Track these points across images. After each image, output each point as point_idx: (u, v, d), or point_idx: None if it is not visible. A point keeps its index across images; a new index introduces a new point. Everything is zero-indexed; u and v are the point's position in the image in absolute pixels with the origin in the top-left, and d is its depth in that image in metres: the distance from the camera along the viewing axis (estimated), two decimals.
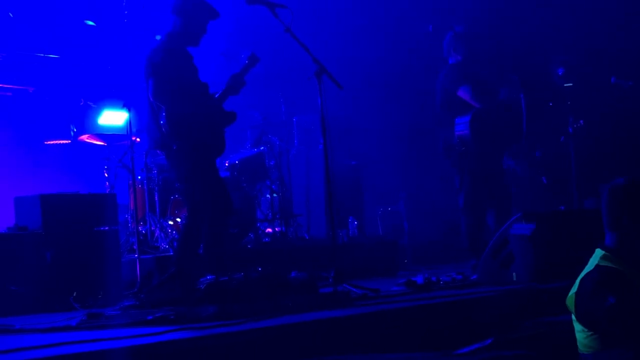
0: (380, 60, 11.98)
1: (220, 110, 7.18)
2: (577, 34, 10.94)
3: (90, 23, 10.28)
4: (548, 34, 11.06)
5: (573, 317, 4.10)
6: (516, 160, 10.65)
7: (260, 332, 4.91)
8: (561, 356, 4.68)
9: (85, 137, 9.33)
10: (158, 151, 7.80)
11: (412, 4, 11.79)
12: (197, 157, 6.97)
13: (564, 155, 10.15)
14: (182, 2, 7.10)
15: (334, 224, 7.21)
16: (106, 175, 9.12)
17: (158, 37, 7.62)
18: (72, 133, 9.46)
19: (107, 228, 7.31)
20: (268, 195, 10.44)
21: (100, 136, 9.31)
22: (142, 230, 8.85)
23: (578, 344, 4.16)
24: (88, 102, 9.62)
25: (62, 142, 9.72)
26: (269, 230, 10.23)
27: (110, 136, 9.30)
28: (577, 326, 4.08)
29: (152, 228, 8.99)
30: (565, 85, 10.06)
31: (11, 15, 9.80)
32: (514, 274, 6.95)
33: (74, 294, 6.77)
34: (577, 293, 3.99)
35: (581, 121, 9.81)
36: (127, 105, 7.97)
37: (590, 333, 3.99)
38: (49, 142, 9.83)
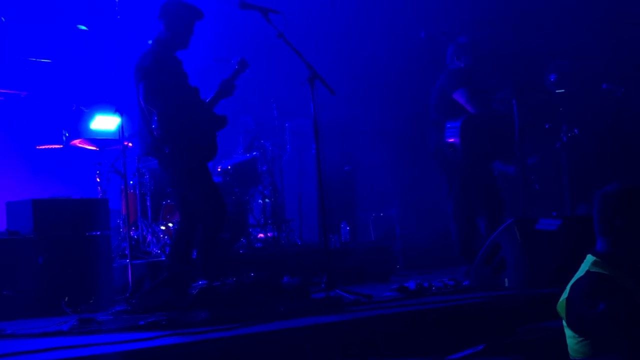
0: (373, 66, 11.99)
1: (212, 115, 7.19)
2: (570, 40, 10.95)
3: (83, 28, 10.26)
4: (541, 41, 11.08)
5: (564, 323, 4.10)
6: (508, 167, 10.65)
7: (252, 338, 4.90)
8: None
9: (77, 142, 9.32)
10: (150, 157, 7.78)
11: (406, 9, 11.81)
12: (190, 160, 6.97)
13: (556, 161, 10.16)
14: (165, 6, 7.11)
15: (326, 229, 7.21)
16: (98, 180, 9.11)
17: (151, 42, 7.62)
18: (64, 138, 9.45)
19: (99, 233, 7.31)
20: (260, 201, 10.45)
21: (92, 141, 9.30)
22: (134, 235, 8.84)
23: (569, 349, 4.16)
24: (80, 107, 9.61)
25: (54, 146, 9.71)
26: (261, 235, 10.24)
27: (103, 141, 9.29)
28: (568, 332, 4.08)
29: (144, 233, 8.98)
30: (557, 91, 10.07)
31: (3, 19, 9.79)
32: (505, 279, 6.96)
33: (66, 299, 6.77)
34: (568, 299, 4.00)
35: (576, 129, 9.82)
36: (119, 110, 7.96)
37: (581, 339, 3.99)
38: (41, 147, 9.81)
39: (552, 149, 10.19)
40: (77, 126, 9.59)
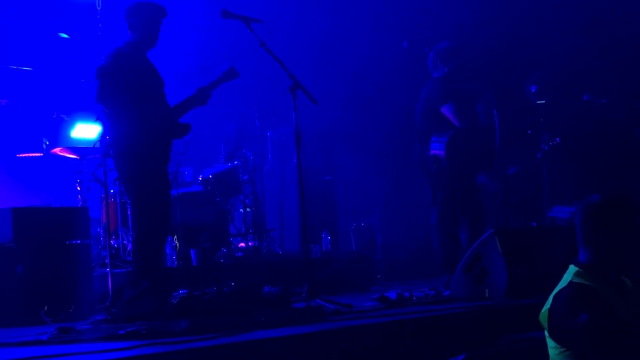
0: (355, 75, 12.00)
1: (173, 121, 7.04)
2: (551, 50, 11.01)
3: (65, 36, 10.25)
4: (522, 50, 11.13)
5: (546, 333, 4.11)
6: (489, 177, 10.68)
7: (233, 347, 4.89)
8: None
9: (57, 150, 9.28)
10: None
11: (388, 19, 11.84)
12: (137, 166, 6.84)
13: (536, 172, 10.19)
14: (131, 8, 7.08)
15: (307, 238, 7.20)
16: (79, 188, 9.07)
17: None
18: (44, 146, 9.42)
19: (79, 242, 7.28)
20: (241, 210, 10.45)
21: (73, 149, 9.26)
22: (114, 244, 8.81)
23: None
24: (61, 115, 9.58)
25: (34, 155, 9.68)
26: (242, 244, 10.23)
27: (83, 149, 9.25)
28: (550, 342, 4.08)
29: (124, 242, 8.95)
30: (538, 102, 10.11)
31: None
32: (486, 290, 6.96)
33: (45, 308, 6.73)
34: (550, 309, 4.00)
35: (557, 139, 9.86)
36: (100, 118, 7.92)
37: (562, 349, 3.99)
38: (21, 155, 9.78)
39: (533, 158, 10.23)
40: (58, 134, 9.56)
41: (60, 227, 7.21)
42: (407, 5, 11.77)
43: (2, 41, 10.09)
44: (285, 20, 11.05)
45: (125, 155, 6.81)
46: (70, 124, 9.66)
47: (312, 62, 11.16)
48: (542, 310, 4.07)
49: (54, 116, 9.53)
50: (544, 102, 10.05)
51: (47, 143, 9.42)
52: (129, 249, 8.85)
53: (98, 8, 10.26)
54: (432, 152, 8.17)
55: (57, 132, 9.56)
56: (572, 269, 4.03)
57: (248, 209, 10.33)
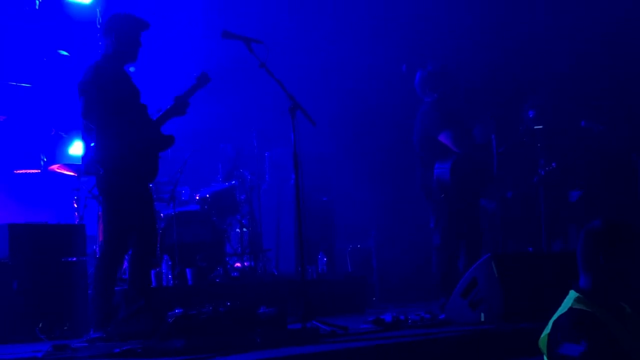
0: (354, 97, 12.04)
1: (157, 133, 6.95)
2: (549, 76, 11.05)
3: (64, 53, 10.27)
4: (520, 75, 11.17)
5: (545, 358, 4.10)
6: (487, 200, 10.69)
7: None
8: None
9: (55, 167, 9.27)
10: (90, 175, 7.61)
11: (387, 41, 11.88)
12: (124, 184, 6.71)
13: (534, 196, 10.20)
14: (110, 21, 6.97)
15: (304, 260, 7.20)
16: (75, 205, 9.06)
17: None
18: (42, 163, 9.43)
19: (75, 259, 7.28)
20: (238, 230, 10.44)
21: (70, 166, 9.25)
22: None
23: None
24: (59, 132, 9.60)
25: (32, 171, 9.68)
26: (238, 264, 10.21)
27: (81, 166, 9.25)
28: None
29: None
30: (535, 127, 10.12)
31: None
32: (482, 314, 6.96)
33: (40, 325, 6.72)
34: (550, 335, 4.00)
35: (554, 164, 9.87)
36: (83, 135, 7.90)
37: None
38: (18, 171, 9.78)
39: (530, 183, 10.24)
40: (56, 151, 9.58)
41: (57, 244, 7.22)
42: (406, 28, 11.83)
43: (2, 57, 10.11)
44: (284, 42, 11.08)
45: (107, 170, 6.66)
46: (68, 141, 9.68)
47: (311, 84, 11.17)
48: (542, 336, 4.07)
49: (52, 133, 9.55)
50: (541, 127, 10.06)
51: (45, 160, 9.43)
52: (124, 267, 8.83)
53: (98, 26, 10.31)
54: (437, 178, 8.12)
55: (54, 149, 9.58)
56: (572, 294, 4.02)
57: (245, 229, 10.32)
